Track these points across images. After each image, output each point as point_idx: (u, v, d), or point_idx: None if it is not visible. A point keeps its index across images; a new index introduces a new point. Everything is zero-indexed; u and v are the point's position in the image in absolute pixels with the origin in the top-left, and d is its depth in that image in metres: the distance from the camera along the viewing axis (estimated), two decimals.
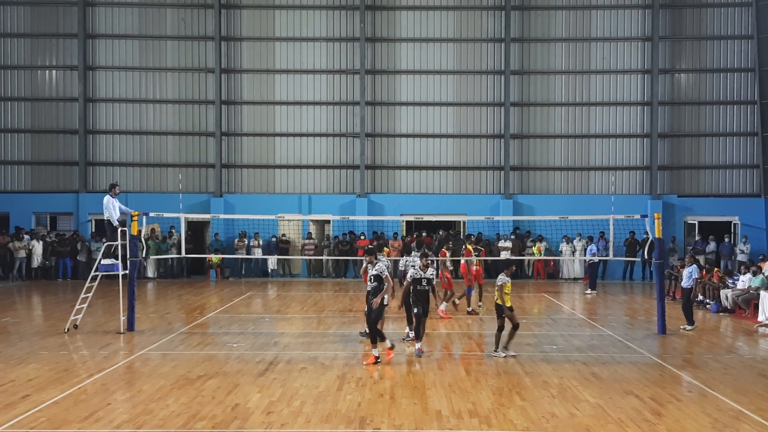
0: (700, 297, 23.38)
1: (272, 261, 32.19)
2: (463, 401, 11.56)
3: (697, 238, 31.82)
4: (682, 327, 18.77)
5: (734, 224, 32.48)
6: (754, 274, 21.78)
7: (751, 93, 32.63)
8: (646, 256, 20.23)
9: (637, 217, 21.36)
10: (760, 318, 20.01)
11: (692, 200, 32.69)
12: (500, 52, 33.03)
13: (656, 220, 18.44)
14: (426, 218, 28.86)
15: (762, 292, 20.44)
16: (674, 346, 16.53)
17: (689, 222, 32.76)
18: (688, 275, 19.29)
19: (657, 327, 18.13)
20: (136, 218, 18.59)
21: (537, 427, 10.24)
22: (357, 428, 10.18)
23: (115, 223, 18.52)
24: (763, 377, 13.71)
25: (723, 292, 22.03)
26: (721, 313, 21.67)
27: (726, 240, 31.40)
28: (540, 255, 30.39)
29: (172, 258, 30.31)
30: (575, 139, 33.11)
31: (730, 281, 22.77)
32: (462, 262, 21.72)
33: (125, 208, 19.00)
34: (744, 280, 21.67)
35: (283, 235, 32.19)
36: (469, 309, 21.02)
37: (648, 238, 19.40)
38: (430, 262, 15.95)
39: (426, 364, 14.47)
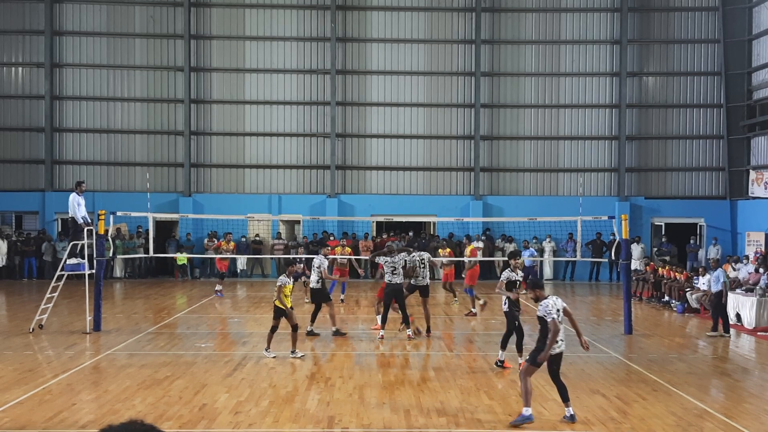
0: (666, 298, 23.67)
1: (242, 261, 32.03)
2: (432, 400, 11.58)
3: (663, 239, 32.16)
4: (708, 333, 18.20)
5: (700, 226, 32.87)
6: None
7: (717, 96, 33.05)
8: (613, 257, 20.35)
9: (605, 218, 21.55)
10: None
11: (659, 202, 33.04)
12: (470, 53, 33.14)
13: (623, 222, 18.62)
14: (396, 219, 28.89)
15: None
16: (640, 346, 16.71)
17: (656, 224, 33.10)
18: (716, 279, 18.45)
19: (624, 327, 18.31)
20: (102, 217, 18.39)
21: (504, 426, 10.29)
22: (325, 428, 10.17)
23: (80, 221, 18.33)
24: (727, 376, 13.91)
25: (689, 293, 22.29)
26: (687, 314, 21.92)
27: (692, 241, 31.78)
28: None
29: (139, 258, 30.05)
30: (544, 140, 33.32)
31: (696, 281, 23.04)
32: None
33: (81, 213, 18.66)
34: (704, 282, 21.88)
35: (257, 235, 32.01)
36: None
37: (615, 240, 19.54)
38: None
39: (395, 364, 14.49)
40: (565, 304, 10.83)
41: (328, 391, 12.06)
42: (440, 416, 10.75)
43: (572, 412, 10.52)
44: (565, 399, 10.59)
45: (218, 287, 25.24)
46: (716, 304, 18.27)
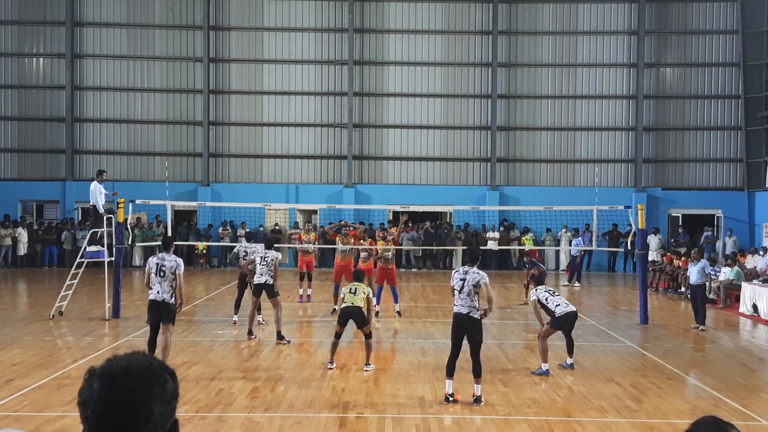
0: (682, 288, 23.61)
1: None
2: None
3: (680, 230, 32.02)
4: (693, 326, 17.71)
5: (717, 217, 32.72)
6: (730, 266, 22.01)
7: (735, 87, 32.86)
8: (629, 247, 20.31)
9: (621, 208, 21.50)
10: (741, 309, 20.28)
11: (676, 193, 32.92)
12: (488, 44, 33.12)
13: (639, 212, 18.58)
14: (412, 208, 28.91)
15: (743, 284, 20.70)
16: (656, 336, 16.72)
17: (673, 215, 32.99)
18: (700, 271, 17.86)
19: (639, 317, 18.31)
20: (122, 205, 18.60)
21: (519, 413, 10.35)
22: (340, 413, 10.27)
23: (101, 210, 18.58)
24: (743, 366, 13.91)
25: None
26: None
27: (708, 232, 31.60)
28: (531, 245, 30.03)
29: (158, 246, 30.20)
30: (561, 131, 33.27)
31: (712, 273, 22.94)
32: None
33: (103, 201, 18.93)
34: (725, 272, 21.87)
35: (276, 224, 32.13)
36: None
37: (632, 230, 19.51)
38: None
39: (409, 351, 14.59)
40: (476, 280, 10.82)
41: (344, 378, 12.17)
42: (454, 403, 10.83)
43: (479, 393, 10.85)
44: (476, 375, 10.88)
45: (301, 291, 21.76)
46: (700, 297, 17.83)
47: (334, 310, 18.36)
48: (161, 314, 12.10)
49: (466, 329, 10.83)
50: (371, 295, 13.12)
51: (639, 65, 32.67)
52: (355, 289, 12.82)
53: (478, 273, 10.86)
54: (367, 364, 12.82)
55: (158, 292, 12.03)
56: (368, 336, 12.80)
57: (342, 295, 12.92)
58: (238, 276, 17.51)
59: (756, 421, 10.24)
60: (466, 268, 11.02)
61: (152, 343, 12.25)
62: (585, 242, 28.15)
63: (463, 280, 10.84)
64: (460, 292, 10.85)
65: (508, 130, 33.29)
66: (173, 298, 12.11)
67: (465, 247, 26.68)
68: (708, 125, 33.08)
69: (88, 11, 33.23)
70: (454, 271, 11.32)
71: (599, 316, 19.54)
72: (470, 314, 10.76)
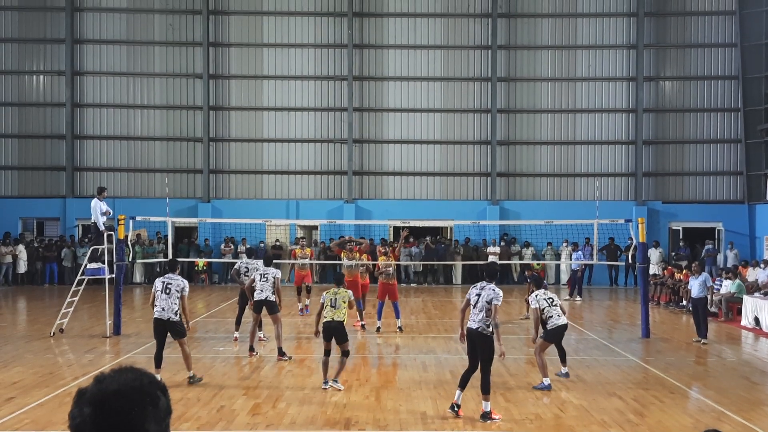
0: (684, 302, 23.57)
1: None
2: (448, 402, 11.59)
3: (681, 243, 31.99)
4: (695, 339, 17.63)
5: (718, 230, 32.71)
6: (731, 279, 21.99)
7: (734, 100, 32.92)
8: (630, 261, 20.29)
9: (622, 221, 21.48)
10: (743, 322, 20.25)
11: (676, 206, 32.92)
12: (487, 59, 33.21)
13: (640, 225, 18.58)
14: (413, 223, 28.93)
15: (745, 297, 20.68)
16: (658, 350, 16.68)
17: (674, 228, 32.97)
18: (701, 284, 17.77)
19: (641, 331, 18.27)
20: (122, 222, 18.61)
21: (521, 428, 10.33)
22: (342, 429, 10.24)
23: (101, 228, 18.60)
24: (745, 379, 13.87)
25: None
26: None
27: (709, 246, 31.56)
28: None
29: (159, 263, 30.24)
30: (561, 145, 33.31)
31: (715, 286, 22.92)
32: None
33: (107, 207, 18.97)
34: (727, 285, 21.86)
35: (277, 240, 32.12)
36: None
37: (632, 243, 19.50)
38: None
39: (411, 366, 14.55)
40: (489, 297, 10.87)
41: (345, 394, 12.14)
42: (456, 418, 10.80)
43: (488, 408, 10.76)
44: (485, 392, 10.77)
45: (300, 305, 22.18)
46: (702, 311, 17.77)
47: None
48: (168, 332, 12.62)
49: (478, 345, 10.88)
50: (352, 298, 12.74)
51: (638, 79, 32.75)
52: (335, 300, 12.40)
53: (493, 290, 10.91)
54: (335, 380, 12.48)
55: (163, 309, 12.45)
56: (346, 354, 12.45)
57: (321, 302, 12.59)
58: (239, 292, 17.53)
59: None
60: (483, 283, 11.08)
61: (159, 357, 12.73)
62: (585, 256, 28.07)
63: (479, 295, 10.93)
64: (474, 306, 10.93)
65: (508, 144, 33.34)
66: (178, 316, 12.47)
67: (464, 262, 26.86)
68: (708, 138, 33.12)
69: (88, 29, 33.36)
70: (472, 286, 11.38)
71: (600, 330, 19.52)
72: (479, 330, 10.80)
